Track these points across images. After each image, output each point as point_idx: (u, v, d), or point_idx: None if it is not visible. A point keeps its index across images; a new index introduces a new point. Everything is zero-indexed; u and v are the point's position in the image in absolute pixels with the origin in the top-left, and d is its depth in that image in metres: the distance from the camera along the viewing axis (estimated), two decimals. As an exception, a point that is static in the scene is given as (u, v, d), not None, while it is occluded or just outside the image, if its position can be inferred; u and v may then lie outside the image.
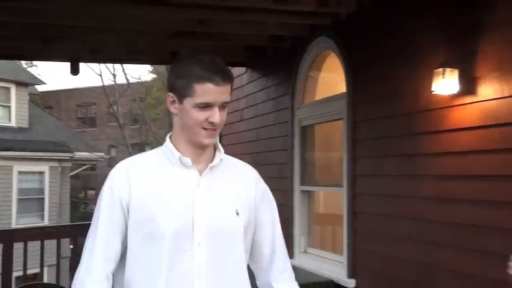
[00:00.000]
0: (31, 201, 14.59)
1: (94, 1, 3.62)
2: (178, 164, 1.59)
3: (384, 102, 3.72)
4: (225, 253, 1.58)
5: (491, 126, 2.80)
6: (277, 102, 5.43)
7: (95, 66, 22.57)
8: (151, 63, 13.80)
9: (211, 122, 1.54)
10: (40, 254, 4.55)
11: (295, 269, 5.21)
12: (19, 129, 14.95)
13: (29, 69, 19.18)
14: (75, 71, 5.45)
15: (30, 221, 13.62)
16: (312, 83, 4.99)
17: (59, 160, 15.33)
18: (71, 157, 15.76)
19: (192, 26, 4.36)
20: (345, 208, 4.11)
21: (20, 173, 14.40)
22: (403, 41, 3.53)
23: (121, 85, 23.43)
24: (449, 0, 3.12)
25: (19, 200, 14.30)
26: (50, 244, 4.87)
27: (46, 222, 14.45)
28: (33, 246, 4.58)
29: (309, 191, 4.94)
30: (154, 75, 23.18)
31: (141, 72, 47.02)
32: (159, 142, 21.88)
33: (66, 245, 6.98)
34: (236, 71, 6.42)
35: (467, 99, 2.92)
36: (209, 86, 1.51)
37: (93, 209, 1.65)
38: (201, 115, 1.53)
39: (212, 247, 1.55)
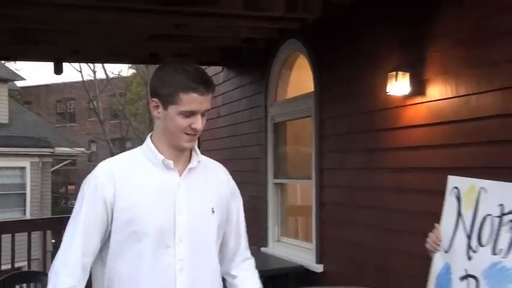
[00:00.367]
0: (12, 196, 14.70)
1: (76, 9, 3.85)
2: (161, 166, 1.67)
3: (347, 101, 4.04)
4: (203, 248, 1.71)
5: (438, 124, 3.13)
6: (251, 100, 5.72)
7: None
8: (131, 63, 14.00)
9: (193, 128, 1.64)
10: (27, 247, 4.71)
11: (269, 256, 5.56)
12: (-1, 125, 15.02)
13: (7, 64, 19.19)
14: (58, 70, 5.68)
15: (12, 216, 13.73)
16: (283, 82, 5.29)
17: (40, 155, 15.43)
18: (52, 152, 15.86)
19: (170, 30, 4.62)
20: (314, 199, 4.44)
21: (0, 168, 14.50)
22: (363, 46, 3.85)
23: (101, 80, 23.51)
24: (403, 10, 3.43)
25: (0, 195, 14.40)
26: (34, 239, 5.05)
27: (28, 217, 14.57)
28: (18, 241, 4.72)
29: (281, 184, 5.26)
30: (133, 71, 23.30)
31: (120, 68, 46.78)
32: (139, 137, 22.02)
33: (49, 239, 7.15)
34: (212, 70, 6.70)
35: (418, 99, 3.25)
36: (194, 95, 1.60)
37: (74, 204, 1.69)
38: (184, 122, 1.62)
39: (192, 243, 1.67)
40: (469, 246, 1.67)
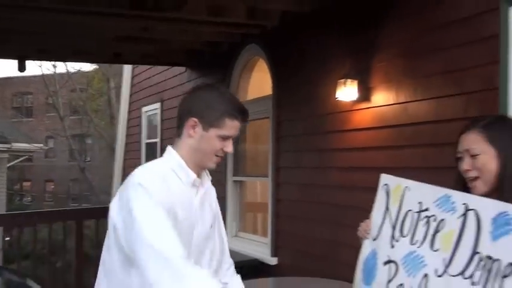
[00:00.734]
0: (-32, 192, 14.44)
1: (44, 11, 4.00)
2: (189, 184, 1.74)
3: (302, 105, 4.33)
4: (204, 256, 1.84)
5: (382, 128, 3.44)
6: (213, 100, 5.94)
7: (34, 56, 22.18)
8: (95, 62, 13.96)
9: (225, 152, 1.76)
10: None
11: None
12: (-45, 120, 14.71)
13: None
14: (22, 67, 5.77)
15: (-32, 212, 13.51)
16: (244, 84, 5.55)
17: (-3, 151, 15.19)
18: (9, 148, 15.62)
19: (136, 32, 4.81)
20: (270, 196, 4.71)
21: (-45, 164, 14.22)
22: (317, 53, 4.15)
23: (61, 75, 23.21)
24: (353, 22, 3.74)
25: (-45, 191, 14.13)
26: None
27: (-17, 213, 14.35)
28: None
29: (240, 181, 5.51)
30: (95, 66, 23.10)
31: (81, 63, 46.20)
32: (100, 134, 21.90)
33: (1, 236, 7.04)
34: (176, 70, 6.91)
35: (364, 105, 3.57)
36: (236, 122, 1.74)
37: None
38: (219, 144, 1.73)
39: (198, 252, 1.79)
40: (393, 236, 1.91)
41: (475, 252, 1.63)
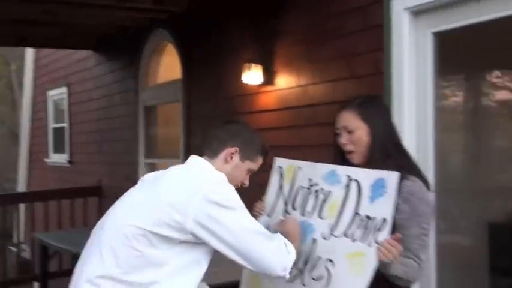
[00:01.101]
0: None
1: None
2: None
3: (211, 88, 4.50)
4: None
5: (285, 109, 3.70)
6: (123, 84, 5.97)
7: None
8: (-1, 46, 13.19)
9: (243, 184, 1.97)
10: None
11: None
12: None
13: None
14: None
15: None
16: (154, 68, 5.61)
17: None
18: None
19: (40, 15, 4.72)
20: (182, 176, 4.86)
21: None
22: (223, 38, 4.32)
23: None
24: (257, 8, 3.94)
25: None
26: None
27: None
28: None
29: (152, 163, 5.61)
30: (-7, 48, 21.73)
31: (-24, 43, 43.11)
32: (1, 120, 20.72)
33: None
34: (83, 53, 6.81)
35: (269, 88, 3.80)
36: (261, 160, 2.00)
37: None
38: (244, 177, 1.96)
39: None
40: (286, 211, 2.12)
41: (355, 214, 1.89)
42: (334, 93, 3.24)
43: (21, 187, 9.47)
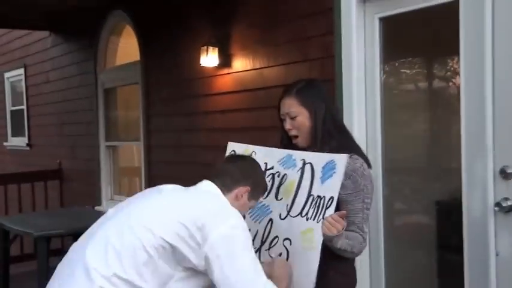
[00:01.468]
0: None
1: None
2: None
3: (170, 71, 4.53)
4: None
5: (241, 91, 3.77)
6: (81, 66, 5.91)
7: None
8: None
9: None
10: None
11: (103, 214, 5.84)
12: None
13: None
14: None
15: None
16: (112, 50, 5.58)
17: None
18: None
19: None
20: (142, 158, 4.90)
21: None
22: (181, 21, 4.34)
23: None
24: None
25: None
26: None
27: None
28: None
29: (113, 146, 5.62)
30: None
31: None
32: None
33: None
34: (40, 34, 6.69)
35: (225, 70, 3.86)
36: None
37: None
38: (246, 212, 2.01)
39: None
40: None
41: (309, 195, 2.00)
42: (287, 76, 3.32)
43: (-21, 171, 9.31)
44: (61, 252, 5.55)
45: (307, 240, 1.94)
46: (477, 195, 2.39)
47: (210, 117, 4.10)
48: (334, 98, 2.92)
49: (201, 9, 4.10)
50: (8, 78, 8.08)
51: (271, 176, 2.14)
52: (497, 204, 2.29)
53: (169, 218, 1.71)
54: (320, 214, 1.92)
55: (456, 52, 2.44)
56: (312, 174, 2.00)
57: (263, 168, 2.15)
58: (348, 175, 1.94)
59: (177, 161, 4.53)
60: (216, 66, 3.88)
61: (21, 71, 7.46)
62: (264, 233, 2.10)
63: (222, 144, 3.97)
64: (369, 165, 2.04)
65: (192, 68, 4.15)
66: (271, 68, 3.47)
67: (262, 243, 2.09)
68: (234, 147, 2.34)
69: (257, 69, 3.58)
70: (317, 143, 2.03)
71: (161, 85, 4.67)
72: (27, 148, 7.40)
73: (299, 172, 2.04)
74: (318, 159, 1.99)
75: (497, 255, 2.32)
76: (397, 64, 3.10)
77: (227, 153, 2.34)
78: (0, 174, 6.64)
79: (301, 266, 1.94)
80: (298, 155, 2.07)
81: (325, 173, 1.97)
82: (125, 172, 5.85)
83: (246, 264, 1.73)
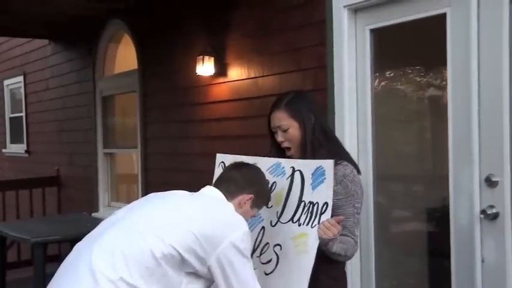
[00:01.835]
0: None
1: None
2: None
3: (167, 79, 4.59)
4: None
5: (236, 100, 3.83)
6: (80, 73, 5.98)
7: None
8: None
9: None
10: None
11: (100, 220, 5.87)
12: None
13: None
14: None
15: None
16: (110, 58, 5.65)
17: None
18: None
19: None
20: (139, 165, 4.96)
21: None
22: (178, 30, 4.41)
23: None
24: (209, 4, 4.05)
25: None
26: None
27: None
28: None
29: (110, 153, 5.68)
30: None
31: None
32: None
33: None
34: (39, 42, 6.77)
35: (221, 79, 3.92)
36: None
37: None
38: (249, 218, 2.00)
39: None
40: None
41: (300, 201, 2.05)
42: (281, 85, 3.39)
43: (-22, 178, 9.34)
44: (58, 259, 5.62)
45: (300, 244, 1.99)
46: (464, 203, 2.45)
47: (205, 125, 4.17)
48: (327, 107, 2.99)
49: (197, 19, 4.18)
50: (7, 85, 8.15)
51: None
52: (483, 211, 2.35)
53: (179, 226, 1.72)
54: (315, 219, 1.97)
55: (444, 63, 2.51)
56: (302, 181, 2.05)
57: None
58: (338, 181, 2.00)
59: (173, 168, 4.58)
60: (211, 75, 3.95)
61: (21, 78, 7.53)
62: (256, 240, 2.14)
63: (217, 152, 4.03)
64: (359, 172, 2.10)
65: (188, 76, 4.21)
66: (265, 77, 3.53)
67: (254, 250, 2.14)
68: (223, 159, 2.38)
69: (252, 78, 3.65)
70: (307, 152, 2.09)
71: (158, 93, 4.73)
72: (26, 155, 7.46)
73: (288, 180, 2.09)
74: (307, 166, 2.04)
75: (482, 261, 2.38)
76: (387, 74, 3.18)
77: (216, 165, 2.38)
78: (-1, 180, 6.68)
79: (293, 270, 1.98)
80: (286, 163, 2.12)
81: (315, 179, 2.02)
82: (122, 179, 5.90)
83: (248, 274, 1.78)
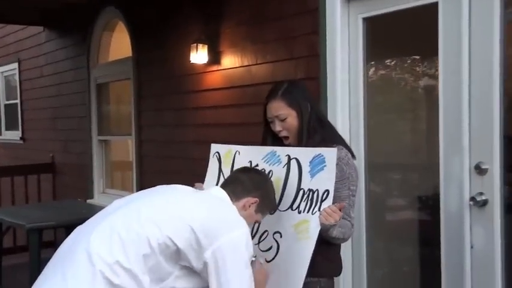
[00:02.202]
0: None
1: None
2: None
3: (161, 66, 4.59)
4: None
5: (230, 88, 3.84)
6: (74, 61, 5.97)
7: None
8: None
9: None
10: None
11: (95, 207, 5.92)
12: None
13: None
14: None
15: None
16: (105, 45, 5.64)
17: None
18: None
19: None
20: (134, 153, 4.98)
21: None
22: (172, 18, 4.41)
23: None
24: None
25: None
26: None
27: None
28: None
29: (105, 140, 5.69)
30: None
31: None
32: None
33: None
34: (34, 29, 6.74)
35: (215, 67, 3.93)
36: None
37: None
38: (252, 224, 2.00)
39: None
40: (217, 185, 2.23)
41: (299, 189, 2.05)
42: (274, 73, 3.40)
43: (-27, 164, 9.34)
44: (53, 245, 5.65)
45: (301, 231, 2.00)
46: (454, 190, 2.48)
47: (199, 113, 4.18)
48: (319, 96, 3.01)
49: (191, 7, 4.17)
50: (2, 72, 8.12)
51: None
52: (472, 198, 2.38)
53: (179, 219, 1.72)
54: (315, 206, 1.98)
55: (437, 52, 2.52)
56: (299, 169, 2.06)
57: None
58: None
59: (168, 155, 4.60)
60: (205, 63, 3.96)
61: (15, 65, 7.51)
62: (253, 228, 2.15)
63: (211, 139, 4.03)
64: (353, 156, 2.13)
65: (182, 64, 4.22)
66: (259, 66, 3.54)
67: (252, 237, 2.15)
68: (218, 149, 2.39)
69: (245, 66, 3.66)
70: (303, 139, 2.10)
71: (152, 81, 4.74)
72: (21, 142, 7.46)
73: (285, 168, 2.10)
74: (304, 153, 2.06)
75: (472, 247, 2.42)
76: (380, 63, 3.19)
77: (211, 155, 2.39)
78: (-6, 167, 6.69)
79: (294, 257, 2.00)
80: (282, 151, 2.13)
81: (314, 167, 2.02)
82: (117, 166, 5.92)
83: (243, 277, 1.75)
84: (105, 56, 5.63)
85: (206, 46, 3.89)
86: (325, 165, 1.99)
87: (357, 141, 2.94)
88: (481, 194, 2.37)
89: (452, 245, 2.50)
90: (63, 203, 5.50)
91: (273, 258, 2.07)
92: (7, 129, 8.07)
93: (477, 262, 2.41)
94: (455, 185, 2.47)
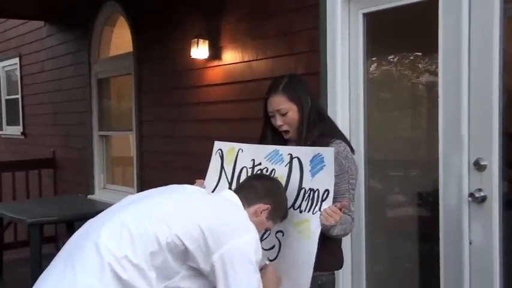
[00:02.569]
0: None
1: None
2: None
3: (162, 62, 4.60)
4: None
5: (230, 83, 3.85)
6: (75, 56, 5.98)
7: None
8: None
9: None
10: None
11: (95, 202, 5.97)
12: None
13: None
14: None
15: None
16: (106, 40, 5.64)
17: None
18: None
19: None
20: (135, 148, 4.99)
21: None
22: (173, 13, 4.40)
23: None
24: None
25: None
26: None
27: None
28: None
29: (106, 136, 5.70)
30: None
31: None
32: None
33: None
34: (35, 24, 6.74)
35: (215, 63, 3.93)
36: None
37: None
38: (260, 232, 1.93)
39: None
40: (230, 189, 2.21)
41: (301, 188, 2.06)
42: (274, 69, 3.40)
43: (-26, 159, 9.35)
44: (54, 240, 5.65)
45: (302, 231, 2.01)
46: (453, 186, 2.48)
47: (200, 108, 4.18)
48: (319, 91, 3.01)
49: (192, 2, 4.17)
50: (3, 67, 8.13)
51: (259, 172, 2.19)
52: (471, 194, 2.39)
53: (189, 219, 1.73)
54: (316, 206, 1.99)
55: (437, 48, 2.52)
56: (300, 168, 2.06)
57: (251, 165, 2.20)
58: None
59: (168, 150, 4.61)
60: (206, 59, 3.96)
61: (16, 60, 7.51)
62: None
63: (212, 135, 4.09)
64: (352, 150, 2.13)
65: (183, 59, 4.22)
66: (259, 61, 3.55)
67: None
68: (221, 146, 2.39)
69: (246, 61, 3.66)
70: (302, 133, 2.11)
71: (153, 76, 4.74)
72: (22, 137, 7.47)
73: (287, 167, 2.10)
74: (305, 153, 2.06)
75: (470, 243, 2.42)
76: (380, 58, 3.19)
77: (214, 152, 2.39)
78: (-5, 162, 6.71)
79: (296, 256, 2.01)
80: (284, 150, 2.13)
81: (314, 166, 2.02)
82: (118, 161, 5.93)
83: (251, 280, 1.73)
84: (106, 51, 5.63)
85: (207, 41, 3.89)
86: (324, 165, 1.99)
87: (357, 136, 2.95)
88: (479, 190, 2.37)
89: (451, 240, 2.51)
90: (64, 198, 5.52)
91: (275, 258, 2.08)
92: (8, 124, 8.08)
93: (476, 258, 2.41)
94: (455, 181, 2.47)
